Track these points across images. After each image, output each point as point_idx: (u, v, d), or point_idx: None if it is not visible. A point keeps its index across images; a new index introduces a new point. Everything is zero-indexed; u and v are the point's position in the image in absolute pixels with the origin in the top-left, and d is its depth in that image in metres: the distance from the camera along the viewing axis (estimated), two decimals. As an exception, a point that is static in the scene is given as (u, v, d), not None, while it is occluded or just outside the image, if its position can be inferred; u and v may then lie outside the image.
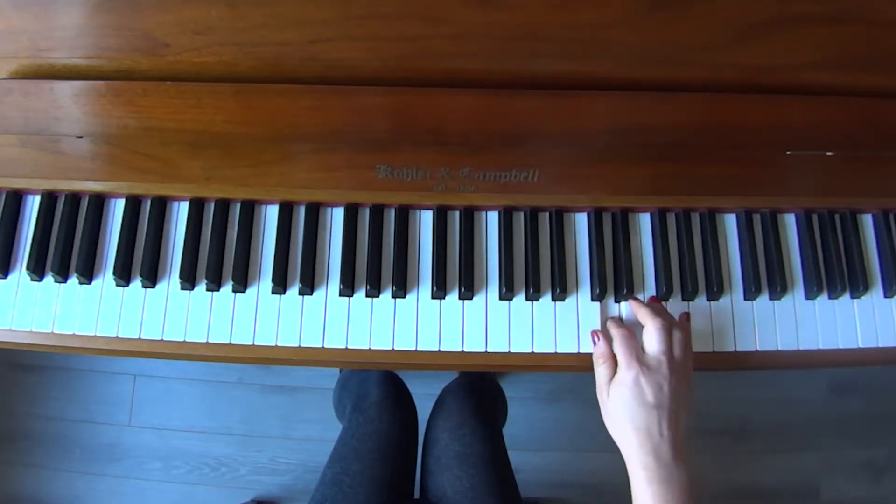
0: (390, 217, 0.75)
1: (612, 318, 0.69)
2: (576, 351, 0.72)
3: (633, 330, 0.64)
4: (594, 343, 0.67)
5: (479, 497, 0.79)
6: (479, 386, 0.91)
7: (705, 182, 0.73)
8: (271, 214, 0.75)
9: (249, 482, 1.44)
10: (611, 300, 0.74)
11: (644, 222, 0.76)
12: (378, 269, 0.73)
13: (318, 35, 0.62)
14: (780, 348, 0.73)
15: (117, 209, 0.75)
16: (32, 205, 0.75)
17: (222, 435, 1.46)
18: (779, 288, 0.74)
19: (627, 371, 0.60)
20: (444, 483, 0.81)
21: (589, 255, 0.75)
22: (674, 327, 0.63)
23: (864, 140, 0.68)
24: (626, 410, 0.59)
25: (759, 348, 0.73)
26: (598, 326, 0.73)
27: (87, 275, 0.72)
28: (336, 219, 0.75)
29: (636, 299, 0.70)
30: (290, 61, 0.63)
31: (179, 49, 0.63)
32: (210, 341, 0.71)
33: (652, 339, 0.61)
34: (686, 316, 0.71)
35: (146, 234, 0.74)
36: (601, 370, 0.64)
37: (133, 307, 0.72)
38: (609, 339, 0.65)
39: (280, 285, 0.72)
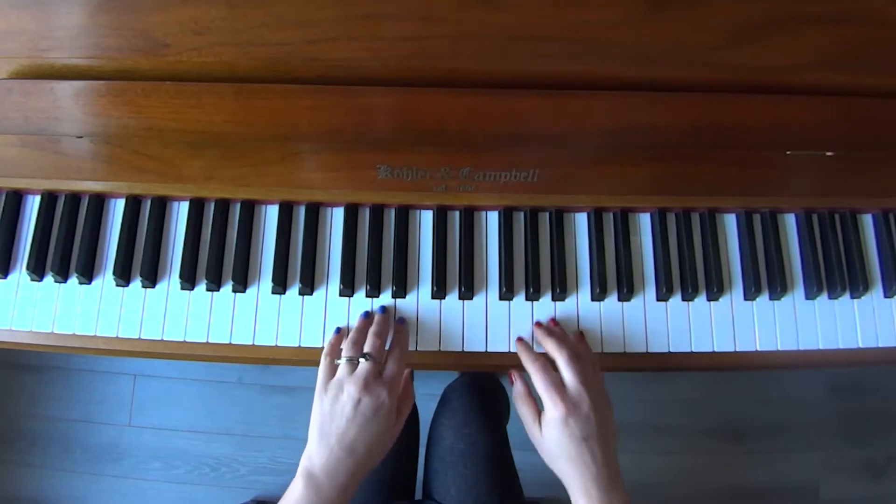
0: (390, 217, 0.75)
1: (526, 347, 0.68)
2: (576, 351, 0.72)
3: (545, 361, 0.64)
4: (511, 382, 0.69)
5: (483, 496, 0.79)
6: (483, 385, 0.91)
7: (705, 182, 0.73)
8: (271, 214, 0.75)
9: (249, 482, 1.44)
10: (613, 298, 0.74)
11: (644, 222, 0.76)
12: (378, 269, 0.73)
13: (318, 35, 0.62)
14: (780, 348, 0.73)
15: (117, 209, 0.75)
16: (32, 205, 0.75)
17: (222, 435, 1.46)
18: (779, 288, 0.74)
19: (554, 410, 0.61)
20: (448, 482, 0.81)
21: (589, 255, 0.75)
22: (580, 352, 0.65)
23: (864, 140, 0.68)
24: (560, 447, 0.61)
25: (759, 348, 0.73)
26: (597, 327, 0.73)
27: (87, 275, 0.72)
28: (336, 219, 0.75)
29: (540, 327, 0.70)
30: (290, 61, 0.63)
31: (179, 49, 0.63)
32: (210, 341, 0.71)
33: (566, 372, 0.62)
34: (580, 335, 0.71)
35: (146, 234, 0.74)
36: (523, 410, 0.65)
37: (133, 307, 0.72)
38: (524, 379, 0.67)
39: (280, 285, 0.72)
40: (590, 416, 0.60)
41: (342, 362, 0.63)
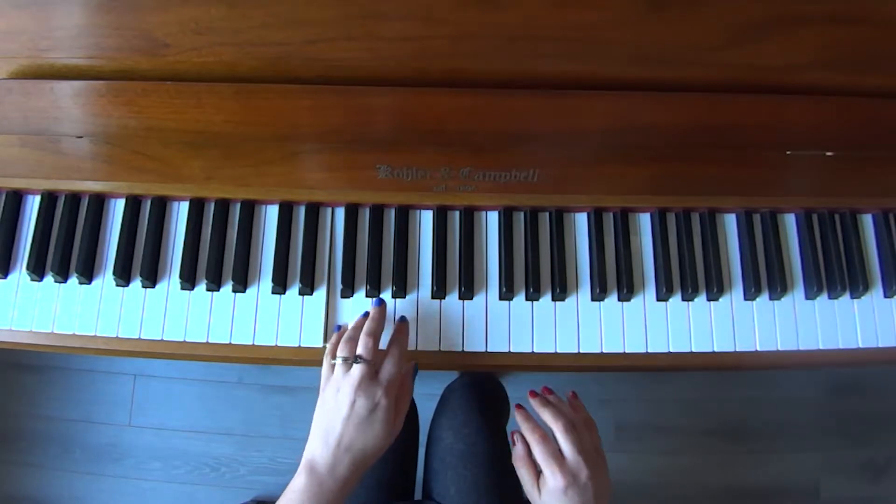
0: (390, 217, 0.75)
1: (527, 416, 0.69)
2: (575, 351, 0.72)
3: (544, 432, 0.65)
4: (512, 444, 0.70)
5: (483, 496, 0.79)
6: (483, 385, 0.91)
7: (705, 182, 0.73)
8: (271, 214, 0.75)
9: (249, 482, 1.44)
10: (613, 298, 0.74)
11: (644, 222, 0.76)
12: (378, 269, 0.73)
13: (318, 35, 0.62)
14: (780, 348, 0.73)
15: (117, 209, 0.75)
16: (32, 205, 0.75)
17: (222, 435, 1.46)
18: (779, 288, 0.74)
19: (553, 480, 0.62)
20: (448, 482, 0.81)
21: (589, 255, 0.75)
22: (575, 421, 0.66)
23: (864, 140, 0.68)
24: None
25: (759, 348, 0.73)
26: (597, 327, 0.73)
27: (87, 275, 0.72)
28: (336, 219, 0.75)
29: (535, 397, 0.70)
30: (290, 61, 0.63)
31: (179, 49, 0.63)
32: (210, 341, 0.71)
33: (564, 443, 0.64)
34: (574, 395, 0.72)
35: (146, 234, 0.74)
36: (523, 472, 0.67)
37: (133, 307, 0.72)
38: (525, 441, 0.68)
39: (280, 285, 0.72)
40: (587, 484, 0.62)
41: (337, 363, 0.63)
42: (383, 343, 0.66)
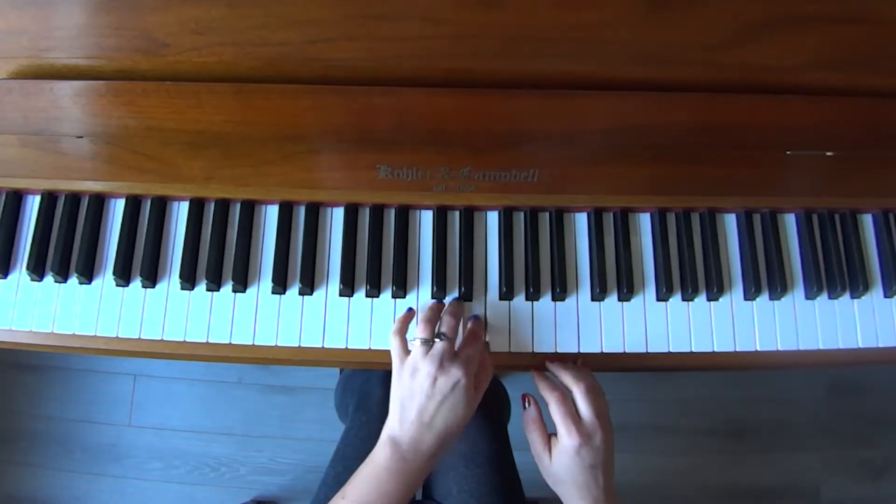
0: (390, 217, 0.75)
1: (543, 376, 0.69)
2: (576, 351, 0.72)
3: (563, 392, 0.66)
4: (524, 407, 0.70)
5: (484, 496, 0.79)
6: (485, 385, 0.91)
7: (705, 182, 0.73)
8: (271, 214, 0.75)
9: (249, 482, 1.44)
10: (613, 298, 0.74)
11: (644, 222, 0.76)
12: (378, 269, 0.73)
13: (318, 35, 0.62)
14: (780, 348, 0.73)
15: (117, 209, 0.75)
16: (32, 205, 0.75)
17: (222, 435, 1.46)
18: (779, 288, 0.74)
19: (569, 439, 0.63)
20: (450, 482, 0.81)
21: (589, 255, 0.75)
22: (594, 386, 0.66)
23: (864, 140, 0.68)
24: (569, 473, 0.63)
25: (759, 348, 0.73)
26: (597, 327, 0.73)
27: (87, 275, 0.72)
28: (336, 219, 0.75)
29: (554, 361, 0.71)
30: (290, 61, 0.63)
31: (179, 49, 0.63)
32: (210, 341, 0.71)
33: (583, 404, 0.64)
34: (585, 362, 0.72)
35: (146, 234, 0.74)
36: (534, 435, 0.67)
37: (133, 307, 0.72)
38: (538, 406, 0.69)
39: (280, 285, 0.72)
40: (600, 447, 0.63)
41: (416, 344, 0.64)
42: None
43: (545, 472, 0.66)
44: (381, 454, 0.61)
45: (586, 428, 0.63)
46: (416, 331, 0.65)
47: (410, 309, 0.72)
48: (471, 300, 0.73)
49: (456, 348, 0.64)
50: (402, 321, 0.68)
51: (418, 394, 0.61)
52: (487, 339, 0.72)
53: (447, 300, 0.73)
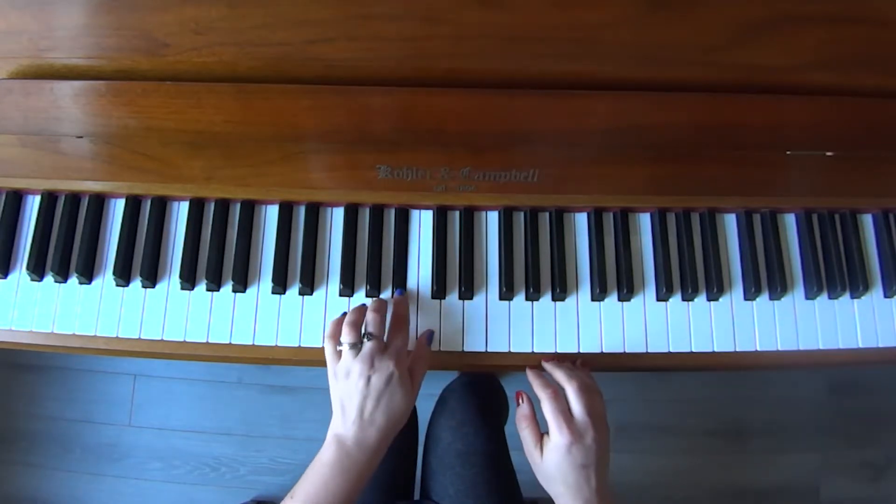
0: (390, 217, 0.75)
1: (537, 374, 0.69)
2: (576, 351, 0.72)
3: (556, 389, 0.66)
4: (518, 404, 0.70)
5: (481, 496, 0.79)
6: (482, 385, 0.91)
7: (705, 182, 0.73)
8: (271, 214, 0.75)
9: (249, 482, 1.44)
10: (613, 298, 0.74)
11: (644, 222, 0.76)
12: (378, 269, 0.73)
13: (318, 35, 0.62)
14: (780, 348, 0.73)
15: (117, 209, 0.75)
16: (32, 205, 0.75)
17: (222, 435, 1.46)
18: (779, 288, 0.74)
19: (560, 437, 0.63)
20: (447, 482, 0.81)
21: (589, 255, 0.75)
22: (588, 384, 0.66)
23: (864, 140, 0.68)
24: (559, 472, 0.63)
25: (759, 348, 0.73)
26: (597, 327, 0.73)
27: (87, 275, 0.72)
28: (336, 219, 0.75)
29: (549, 359, 0.71)
30: (290, 61, 0.63)
31: (179, 49, 0.63)
32: (210, 341, 0.71)
33: (575, 402, 0.64)
34: (583, 362, 0.72)
35: (146, 234, 0.74)
36: (526, 432, 0.67)
37: (133, 307, 0.72)
38: (531, 401, 0.69)
39: (280, 285, 0.72)
40: (591, 446, 0.62)
41: (344, 349, 0.64)
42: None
43: (536, 471, 0.66)
44: (326, 452, 0.62)
45: (578, 426, 0.63)
46: (342, 335, 0.65)
47: (344, 313, 0.71)
48: (471, 299, 0.73)
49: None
50: (333, 325, 0.68)
51: (355, 394, 0.62)
52: (435, 333, 0.72)
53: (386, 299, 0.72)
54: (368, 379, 0.62)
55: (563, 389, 0.66)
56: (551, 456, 0.63)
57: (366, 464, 0.62)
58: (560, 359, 0.71)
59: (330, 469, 0.61)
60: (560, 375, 0.67)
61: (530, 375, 0.70)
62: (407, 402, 0.64)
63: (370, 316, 0.66)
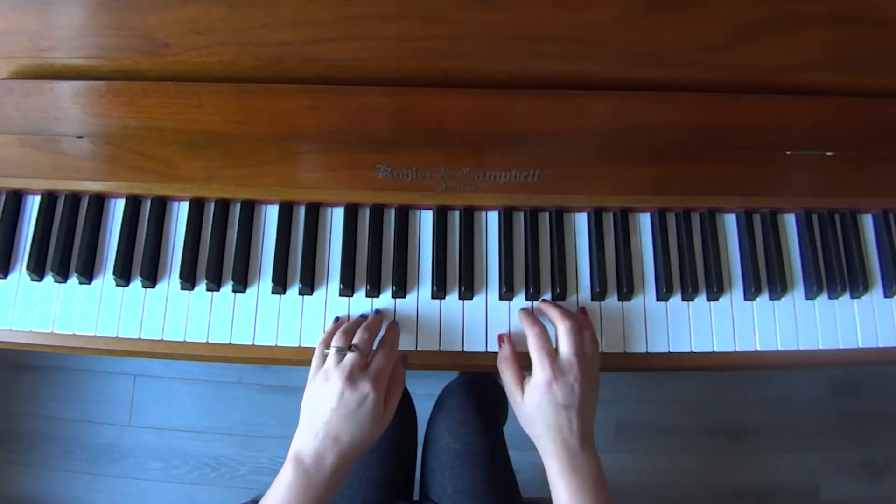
0: (390, 217, 0.75)
1: (529, 312, 0.68)
2: (576, 351, 0.72)
3: (545, 327, 0.65)
4: (499, 346, 0.69)
5: (480, 496, 0.79)
6: (480, 385, 0.91)
7: (705, 182, 0.73)
8: (271, 214, 0.75)
9: (249, 482, 1.44)
10: (613, 298, 0.74)
11: (644, 222, 0.76)
12: (378, 269, 0.73)
13: (318, 35, 0.62)
14: (780, 348, 0.73)
15: (117, 209, 0.75)
16: (32, 205, 0.75)
17: (222, 435, 1.46)
18: (779, 288, 0.74)
19: (541, 373, 0.62)
20: (446, 482, 0.81)
21: (589, 255, 0.75)
22: (583, 326, 0.65)
23: (864, 140, 0.68)
24: (539, 411, 0.62)
25: (759, 348, 0.73)
26: (597, 327, 0.73)
27: (87, 275, 0.72)
28: (336, 219, 0.75)
29: (545, 301, 0.71)
30: (290, 61, 0.63)
31: (179, 49, 0.63)
32: (210, 341, 0.71)
33: (564, 340, 0.63)
34: (583, 310, 0.72)
35: (146, 234, 0.74)
36: (507, 374, 0.66)
37: (133, 307, 0.72)
38: (513, 344, 0.68)
39: (280, 285, 0.72)
40: (574, 386, 0.61)
41: (331, 352, 0.64)
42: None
43: (518, 412, 0.65)
44: (285, 473, 0.60)
45: (561, 364, 0.61)
46: (333, 339, 0.64)
47: (338, 318, 0.72)
48: (471, 300, 0.73)
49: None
50: (327, 332, 0.67)
51: (326, 406, 0.61)
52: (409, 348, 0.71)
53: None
54: (342, 394, 0.60)
55: (555, 329, 0.64)
56: (532, 395, 0.62)
57: (324, 485, 0.59)
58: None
59: (287, 491, 0.59)
60: (554, 314, 0.66)
61: (521, 313, 0.69)
62: (375, 428, 0.62)
63: (360, 332, 0.65)
